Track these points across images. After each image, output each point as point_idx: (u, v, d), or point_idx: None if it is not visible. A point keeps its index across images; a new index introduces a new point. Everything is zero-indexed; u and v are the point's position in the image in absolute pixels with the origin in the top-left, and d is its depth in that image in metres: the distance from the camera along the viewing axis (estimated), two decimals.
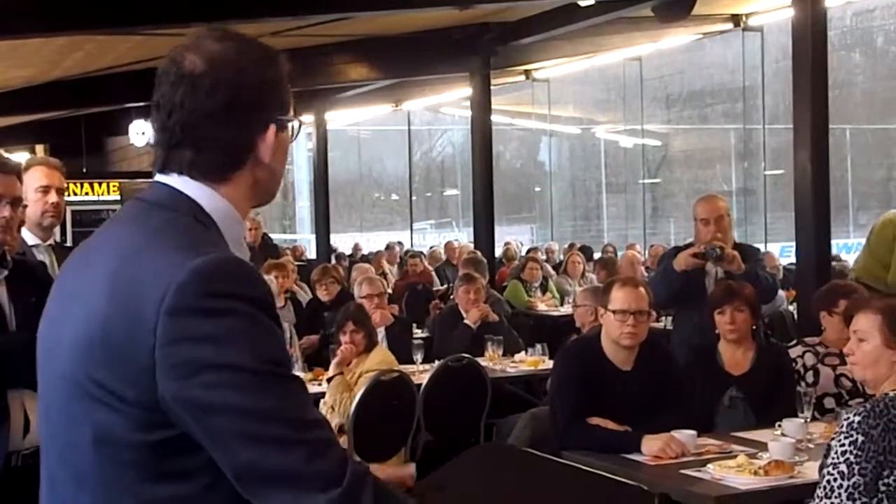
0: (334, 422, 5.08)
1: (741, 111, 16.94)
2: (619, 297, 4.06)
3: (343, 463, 1.32)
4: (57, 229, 3.69)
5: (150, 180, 1.49)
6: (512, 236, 16.69)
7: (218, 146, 1.42)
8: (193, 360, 1.28)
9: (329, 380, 5.20)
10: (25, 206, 3.10)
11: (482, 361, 6.01)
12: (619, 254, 12.59)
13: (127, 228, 1.43)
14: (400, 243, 17.32)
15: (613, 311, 4.05)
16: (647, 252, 12.38)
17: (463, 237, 18.01)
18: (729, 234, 5.28)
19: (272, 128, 1.45)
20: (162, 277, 1.30)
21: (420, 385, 5.33)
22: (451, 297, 7.86)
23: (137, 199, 1.47)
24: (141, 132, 15.30)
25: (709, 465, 3.45)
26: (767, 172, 15.87)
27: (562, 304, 9.69)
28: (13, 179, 2.86)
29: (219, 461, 1.31)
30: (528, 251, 13.26)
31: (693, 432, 3.77)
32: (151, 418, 1.31)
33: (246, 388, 1.28)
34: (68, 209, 15.61)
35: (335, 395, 5.09)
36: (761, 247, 9.61)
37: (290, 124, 1.49)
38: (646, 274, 9.85)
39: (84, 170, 16.10)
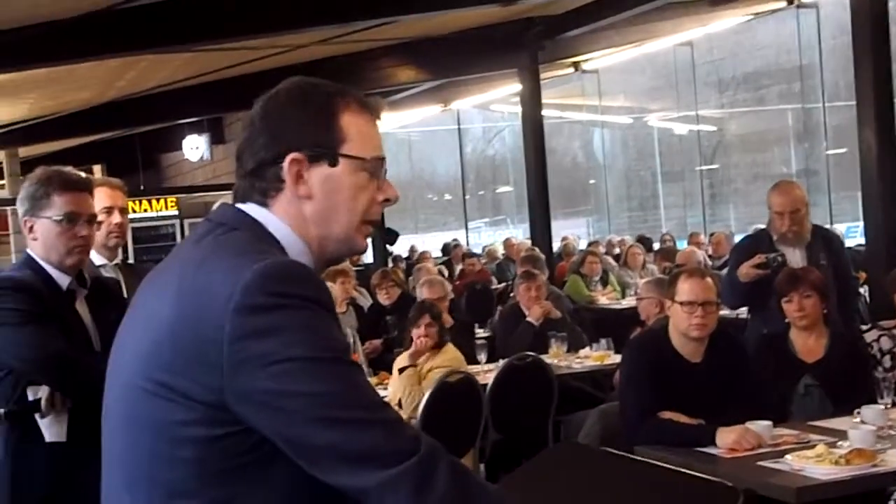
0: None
1: (798, 91, 16.61)
2: (685, 289, 4.00)
3: (417, 437, 1.39)
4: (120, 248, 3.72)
5: (206, 194, 1.56)
6: (568, 230, 16.56)
7: (266, 173, 1.53)
8: (262, 353, 1.34)
9: (401, 370, 5.22)
10: (100, 224, 3.11)
11: (546, 359, 5.97)
12: (679, 243, 12.45)
13: (193, 245, 1.52)
14: (455, 240, 17.29)
15: (681, 303, 3.99)
16: (708, 240, 12.20)
17: (518, 233, 17.92)
18: (806, 225, 5.12)
19: (298, 160, 1.52)
20: (228, 280, 1.38)
21: (486, 385, 5.31)
22: (512, 294, 7.81)
23: (204, 220, 1.58)
24: (195, 147, 15.48)
25: (787, 456, 3.37)
26: (829, 152, 15.54)
27: (623, 297, 9.60)
28: (87, 196, 2.86)
29: (291, 449, 1.37)
30: (590, 244, 13.13)
31: (769, 423, 3.69)
32: (217, 415, 1.38)
33: (316, 375, 1.35)
34: (129, 227, 15.85)
35: (406, 387, 5.11)
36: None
37: (347, 159, 1.56)
38: (709, 263, 9.72)
39: (141, 187, 16.34)
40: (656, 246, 12.57)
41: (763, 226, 5.49)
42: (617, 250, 12.75)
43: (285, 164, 1.52)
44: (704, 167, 19.05)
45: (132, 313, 1.56)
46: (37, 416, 2.68)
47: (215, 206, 1.64)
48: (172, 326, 1.40)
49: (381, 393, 5.29)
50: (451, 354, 5.31)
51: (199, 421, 1.38)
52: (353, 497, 1.39)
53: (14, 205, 2.98)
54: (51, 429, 2.69)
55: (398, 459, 1.35)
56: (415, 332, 5.29)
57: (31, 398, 2.69)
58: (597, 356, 6.32)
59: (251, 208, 1.54)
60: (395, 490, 1.35)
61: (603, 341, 6.46)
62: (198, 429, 1.39)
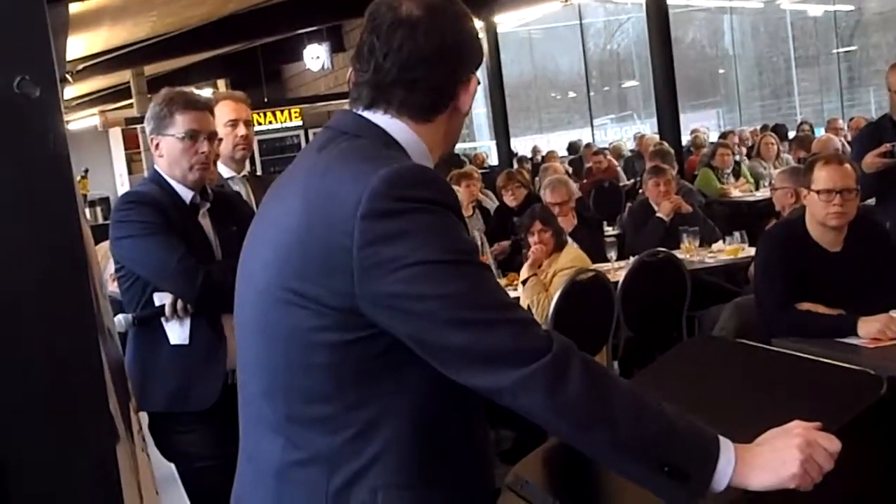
0: None
1: None
2: (822, 176, 3.83)
3: (549, 335, 1.38)
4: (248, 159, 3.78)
5: (329, 103, 1.55)
6: (697, 123, 16.10)
7: (428, 88, 1.52)
8: (392, 257, 1.35)
9: (524, 282, 5.20)
10: (220, 140, 3.19)
11: (678, 254, 5.86)
12: (816, 131, 11.96)
13: (318, 154, 1.51)
14: (580, 140, 17.05)
15: (818, 192, 3.82)
16: (847, 126, 11.67)
17: (646, 129, 17.52)
18: None
19: (474, 78, 1.56)
20: (354, 187, 1.38)
21: (616, 283, 5.26)
22: (641, 190, 7.66)
23: (326, 128, 1.57)
24: (315, 56, 15.55)
25: None
26: None
27: (757, 189, 9.30)
28: (207, 115, 2.95)
29: (424, 351, 1.38)
30: (722, 136, 12.71)
31: None
32: (349, 320, 1.39)
33: (445, 277, 1.36)
34: (255, 139, 16.20)
35: (531, 297, 5.08)
36: None
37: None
38: (848, 150, 9.32)
39: (265, 99, 16.57)
40: (791, 135, 12.09)
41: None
42: (749, 141, 12.33)
43: (471, 85, 1.55)
44: (842, 49, 18.14)
45: (259, 224, 1.57)
46: (162, 320, 2.83)
47: (335, 114, 1.64)
48: (301, 235, 1.41)
49: (511, 295, 5.30)
50: (573, 254, 5.23)
51: (332, 326, 1.40)
52: (488, 396, 1.40)
53: (142, 123, 3.09)
54: (175, 332, 2.83)
55: (531, 358, 1.35)
56: (530, 240, 5.22)
57: (156, 304, 2.83)
58: (730, 250, 6.17)
59: (375, 115, 1.52)
60: (530, 388, 1.35)
61: (736, 234, 6.29)
62: (331, 334, 1.40)
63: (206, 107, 2.98)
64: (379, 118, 1.53)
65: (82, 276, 0.84)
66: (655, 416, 1.40)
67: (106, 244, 4.45)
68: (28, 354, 0.80)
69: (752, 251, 5.35)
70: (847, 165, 3.91)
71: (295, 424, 1.46)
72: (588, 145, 15.40)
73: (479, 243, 6.29)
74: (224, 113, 3.45)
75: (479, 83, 1.60)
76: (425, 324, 1.36)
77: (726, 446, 1.42)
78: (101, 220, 14.09)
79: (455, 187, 6.47)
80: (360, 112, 1.54)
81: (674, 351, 2.11)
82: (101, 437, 0.85)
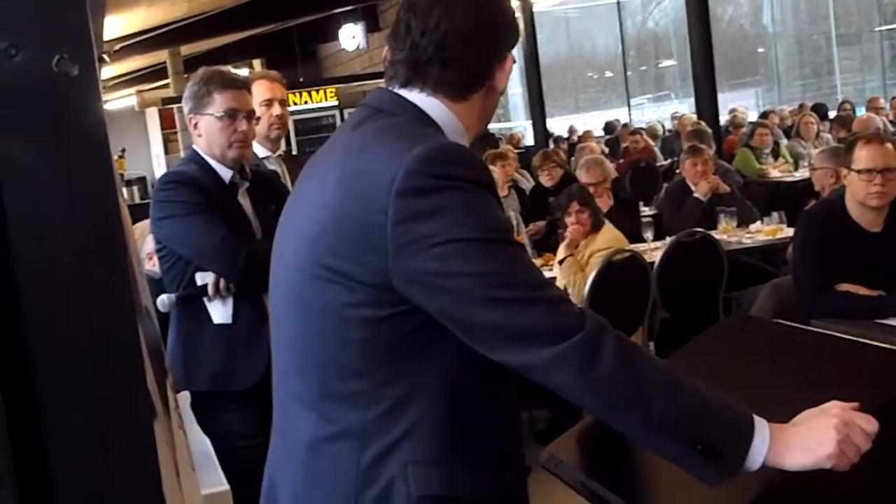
0: None
1: None
2: (863, 156, 3.78)
3: (582, 314, 1.39)
4: (283, 139, 3.79)
5: (364, 83, 1.56)
6: (736, 102, 15.92)
7: (465, 66, 1.53)
8: (426, 235, 1.36)
9: (560, 263, 5.19)
10: (258, 119, 3.20)
11: (715, 234, 5.81)
12: (858, 110, 11.79)
13: (353, 131, 1.52)
14: (617, 120, 16.92)
15: (858, 171, 3.78)
16: (889, 105, 11.49)
17: (683, 108, 17.36)
18: None
19: (509, 57, 1.57)
20: (390, 164, 1.39)
21: (653, 263, 5.23)
22: (678, 171, 7.60)
23: (362, 106, 1.58)
24: (351, 36, 15.53)
25: None
26: None
27: (796, 169, 9.20)
28: (245, 94, 2.95)
29: (457, 328, 1.39)
30: (762, 115, 12.54)
31: None
32: (383, 296, 1.40)
33: (479, 255, 1.36)
34: (290, 119, 16.23)
35: (568, 277, 5.07)
36: None
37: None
38: (890, 129, 9.19)
39: (300, 79, 16.60)
40: (831, 114, 11.94)
41: None
42: (789, 121, 12.18)
43: (506, 64, 1.56)
44: (885, 27, 17.83)
45: (295, 201, 1.58)
46: (205, 299, 2.85)
47: (371, 92, 1.64)
48: (336, 212, 1.42)
49: (547, 276, 5.31)
50: (609, 234, 5.21)
51: (366, 302, 1.41)
52: (521, 373, 1.40)
53: (179, 103, 3.11)
54: (217, 311, 2.85)
55: (563, 336, 1.35)
56: (567, 221, 5.20)
57: (199, 283, 2.85)
58: (769, 230, 6.11)
59: (410, 93, 1.53)
60: (562, 366, 1.35)
61: (775, 215, 6.23)
62: (365, 310, 1.41)
63: (245, 85, 2.98)
64: (415, 96, 1.53)
65: (120, 255, 0.85)
66: (689, 394, 1.40)
67: (142, 224, 4.50)
68: (66, 331, 0.81)
69: (790, 232, 5.30)
70: (888, 145, 3.85)
71: (327, 400, 1.47)
72: (625, 125, 15.29)
73: (515, 223, 6.28)
74: (259, 92, 3.46)
75: (514, 62, 1.60)
76: (459, 301, 1.36)
77: (761, 425, 1.41)
78: (137, 200, 14.21)
79: (490, 167, 6.43)
80: (395, 90, 1.55)
81: (710, 331, 2.10)
82: (139, 413, 0.86)
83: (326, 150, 1.58)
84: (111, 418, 0.83)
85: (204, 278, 2.84)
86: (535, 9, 15.53)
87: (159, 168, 16.34)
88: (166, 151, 16.11)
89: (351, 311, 1.42)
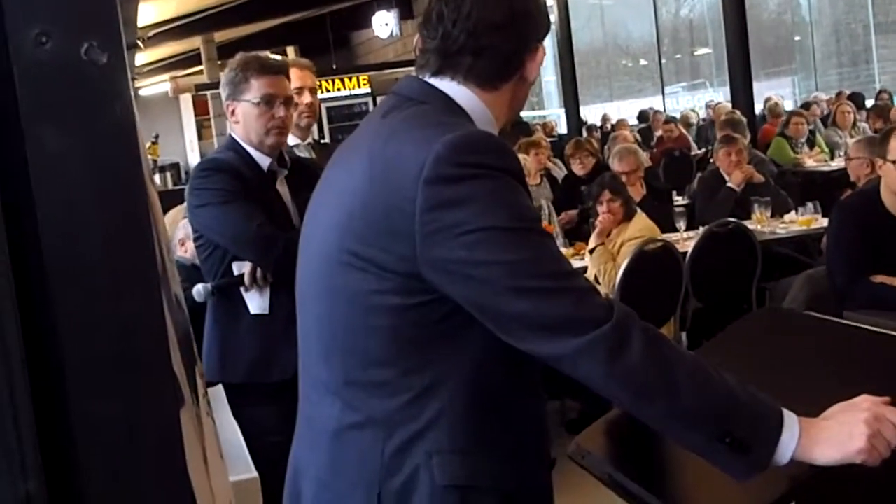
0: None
1: None
2: None
3: (609, 305, 1.39)
4: (315, 127, 3.78)
5: (397, 70, 1.57)
6: (772, 91, 15.75)
7: (497, 55, 1.52)
8: (454, 223, 1.35)
9: (591, 251, 5.17)
10: (297, 105, 3.17)
11: (749, 224, 5.76)
12: None
13: (382, 119, 1.52)
14: (651, 108, 16.80)
15: (894, 162, 3.73)
16: None
17: (718, 97, 17.21)
18: None
19: (541, 47, 1.56)
20: (418, 152, 1.38)
21: (685, 253, 5.20)
22: (712, 160, 7.54)
23: (391, 94, 1.57)
24: (384, 23, 15.52)
25: None
26: None
27: (832, 159, 9.10)
28: (283, 79, 2.91)
29: (484, 317, 1.38)
30: (802, 106, 12.38)
31: None
32: (410, 284, 1.40)
33: (507, 244, 1.36)
34: (323, 106, 16.39)
35: (599, 266, 5.06)
36: None
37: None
38: None
39: (334, 66, 16.62)
40: (869, 103, 11.78)
41: None
42: (825, 109, 12.04)
43: (538, 54, 1.56)
44: None
45: (322, 189, 1.59)
46: (241, 289, 2.80)
47: (401, 79, 1.64)
48: (364, 199, 1.42)
49: (578, 265, 5.29)
50: (641, 224, 5.18)
51: (393, 290, 1.41)
52: (548, 363, 1.40)
53: (213, 89, 3.10)
54: (254, 301, 2.80)
55: (591, 326, 1.35)
56: (598, 210, 5.17)
57: (235, 273, 2.80)
58: (803, 220, 6.05)
59: (441, 82, 1.53)
60: (590, 356, 1.34)
61: (809, 205, 6.17)
62: (392, 297, 1.41)
63: (282, 70, 2.93)
64: (445, 85, 1.53)
65: (147, 243, 0.85)
66: (717, 386, 1.39)
67: (175, 210, 4.53)
68: (93, 322, 0.81)
69: (825, 222, 5.25)
70: None
71: (352, 388, 1.47)
72: (657, 113, 15.18)
73: (547, 212, 6.26)
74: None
75: (545, 52, 1.59)
76: (486, 290, 1.36)
77: (790, 419, 1.40)
78: (170, 186, 14.30)
79: (523, 156, 6.43)
80: (426, 78, 1.54)
81: (738, 323, 2.08)
82: (166, 403, 0.86)
83: (355, 137, 1.59)
84: (138, 409, 0.83)
85: (240, 268, 2.79)
86: None
87: (193, 154, 16.46)
88: (200, 137, 16.21)
89: (378, 298, 1.42)
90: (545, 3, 1.63)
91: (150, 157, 15.68)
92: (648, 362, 1.36)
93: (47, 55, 0.80)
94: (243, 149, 2.87)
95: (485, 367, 1.44)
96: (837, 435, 1.40)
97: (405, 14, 16.27)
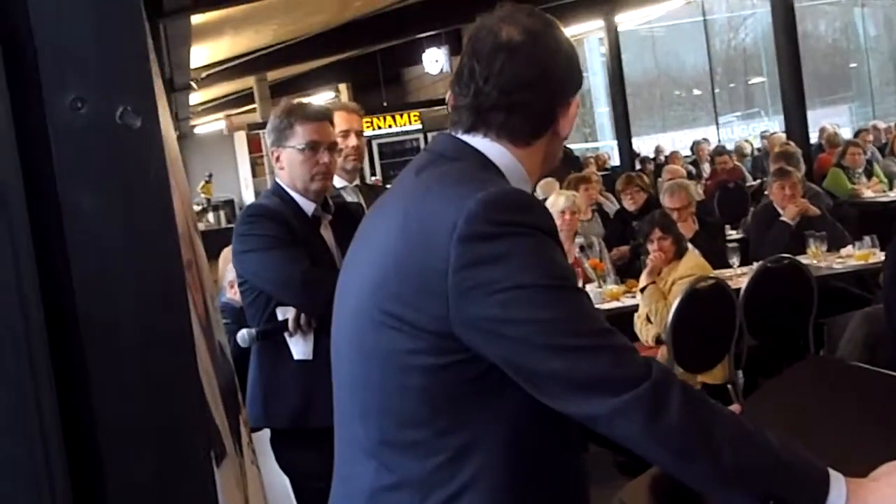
0: (651, 332, 5.00)
1: None
2: None
3: (647, 363, 1.36)
4: (367, 164, 3.80)
5: (448, 107, 1.60)
6: (828, 119, 15.56)
7: (529, 112, 1.52)
8: (487, 281, 1.34)
9: (642, 290, 5.12)
10: (341, 150, 3.20)
11: (804, 260, 5.67)
12: None
13: (416, 177, 1.52)
14: (705, 139, 16.69)
15: None
16: None
17: (773, 126, 17.05)
18: None
19: (574, 102, 1.55)
20: (451, 209, 1.37)
21: (738, 290, 5.12)
22: (766, 192, 7.45)
23: (425, 151, 1.59)
24: (435, 60, 15.64)
25: None
26: None
27: (891, 189, 8.96)
28: (327, 125, 2.94)
29: (519, 376, 1.36)
30: (856, 134, 12.19)
31: None
32: (444, 344, 1.38)
33: (541, 302, 1.34)
34: (374, 143, 16.49)
35: (650, 305, 5.01)
36: None
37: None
38: None
39: (384, 103, 16.76)
40: None
41: None
42: (883, 138, 11.86)
43: (571, 110, 1.55)
44: None
45: (358, 244, 1.59)
46: (285, 335, 2.80)
47: (433, 137, 1.66)
48: (398, 258, 1.41)
49: (630, 302, 5.23)
50: (693, 262, 5.12)
51: (427, 350, 1.39)
52: (584, 423, 1.38)
53: (265, 128, 3.13)
54: (298, 347, 2.80)
55: (629, 385, 1.32)
56: (649, 248, 5.12)
57: (279, 318, 2.81)
58: (860, 255, 5.93)
59: (474, 139, 1.52)
60: (627, 416, 1.32)
61: (867, 238, 6.04)
62: (426, 357, 1.39)
63: (326, 117, 2.97)
64: (478, 142, 1.52)
65: (181, 305, 0.86)
66: (759, 446, 1.35)
67: (227, 250, 4.57)
68: (127, 381, 0.82)
69: (882, 256, 5.14)
70: None
71: (387, 448, 1.45)
72: (703, 141, 15.03)
73: (598, 249, 6.22)
74: (336, 124, 3.46)
75: (579, 106, 1.58)
76: (521, 349, 1.34)
77: (837, 480, 1.35)
78: (224, 224, 14.47)
79: (573, 192, 6.41)
80: (459, 135, 1.54)
81: (786, 374, 2.03)
82: (199, 461, 0.86)
83: (391, 193, 1.59)
84: (171, 471, 0.83)
85: (285, 313, 2.80)
86: (620, 28, 15.44)
87: (247, 191, 16.66)
88: (254, 175, 16.43)
89: (412, 358, 1.40)
90: (577, 57, 1.60)
91: (203, 195, 15.93)
92: (688, 422, 1.33)
93: (83, 120, 0.82)
94: (288, 195, 2.90)
95: (521, 427, 1.42)
96: (887, 497, 1.36)
97: (455, 50, 16.38)
